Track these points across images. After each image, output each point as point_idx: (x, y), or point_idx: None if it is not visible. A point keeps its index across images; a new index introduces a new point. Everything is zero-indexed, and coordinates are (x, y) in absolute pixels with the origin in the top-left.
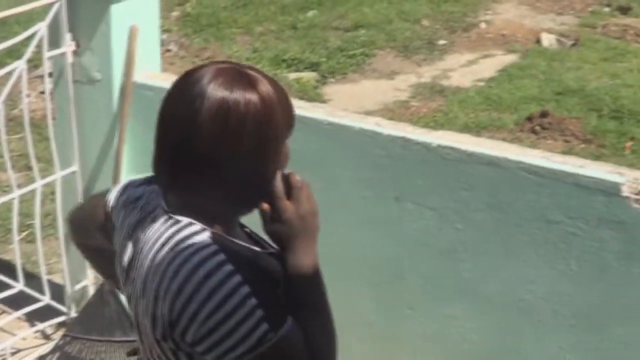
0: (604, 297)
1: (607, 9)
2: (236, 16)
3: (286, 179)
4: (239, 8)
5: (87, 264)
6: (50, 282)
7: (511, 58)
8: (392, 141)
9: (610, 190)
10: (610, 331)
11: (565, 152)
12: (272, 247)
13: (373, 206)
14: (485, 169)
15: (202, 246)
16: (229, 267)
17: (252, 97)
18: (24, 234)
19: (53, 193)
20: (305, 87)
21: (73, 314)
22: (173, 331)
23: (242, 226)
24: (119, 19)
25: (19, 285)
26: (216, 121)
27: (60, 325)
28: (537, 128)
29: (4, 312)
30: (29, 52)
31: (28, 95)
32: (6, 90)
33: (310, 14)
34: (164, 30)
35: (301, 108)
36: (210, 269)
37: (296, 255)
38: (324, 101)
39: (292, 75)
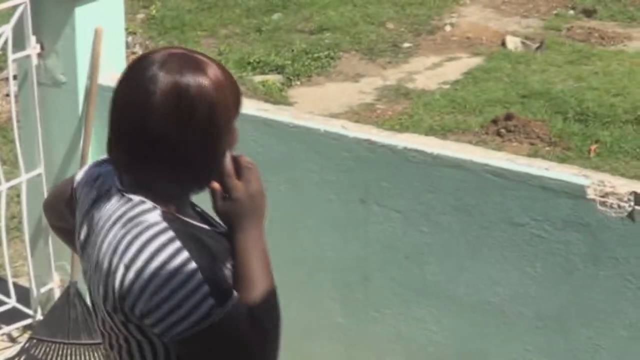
0: (569, 299)
1: (571, 12)
2: (201, 19)
3: (236, 160)
4: (203, 11)
5: (53, 267)
6: (15, 285)
7: (476, 61)
8: (357, 143)
9: (576, 193)
10: (575, 333)
11: (530, 155)
12: (222, 227)
13: (338, 208)
14: (451, 172)
15: (152, 223)
16: (177, 244)
17: (202, 80)
18: None
19: (18, 196)
20: (271, 89)
21: (39, 316)
22: (123, 304)
23: (194, 205)
24: (83, 21)
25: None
26: (168, 104)
27: (26, 328)
28: (503, 131)
29: None
30: None
31: None
32: None
33: (275, 16)
34: (129, 32)
35: (266, 111)
36: (159, 245)
37: (244, 233)
38: (289, 104)
39: (258, 78)
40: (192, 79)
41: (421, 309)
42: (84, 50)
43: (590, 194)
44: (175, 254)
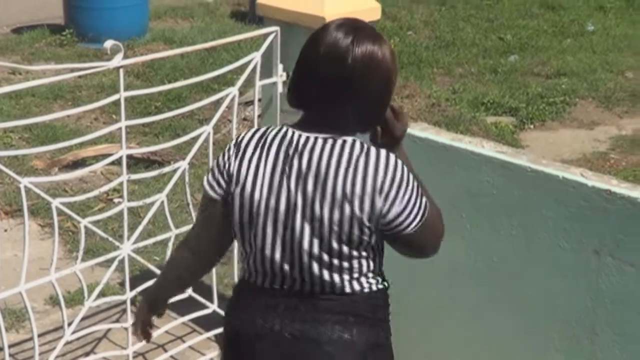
0: None
1: None
2: (437, 56)
3: (392, 108)
4: (440, 48)
5: None
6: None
7: None
8: (596, 193)
9: None
10: None
11: None
12: None
13: (570, 257)
14: None
15: (373, 150)
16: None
17: (386, 50)
18: None
19: None
20: (503, 131)
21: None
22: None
23: None
24: None
25: (212, 306)
26: (364, 63)
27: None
28: None
29: (194, 331)
30: (243, 79)
31: (229, 121)
32: (217, 114)
33: (512, 58)
34: None
35: (504, 153)
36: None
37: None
38: (521, 147)
39: (490, 119)
40: (380, 48)
41: None
42: None
43: None
44: (404, 167)
